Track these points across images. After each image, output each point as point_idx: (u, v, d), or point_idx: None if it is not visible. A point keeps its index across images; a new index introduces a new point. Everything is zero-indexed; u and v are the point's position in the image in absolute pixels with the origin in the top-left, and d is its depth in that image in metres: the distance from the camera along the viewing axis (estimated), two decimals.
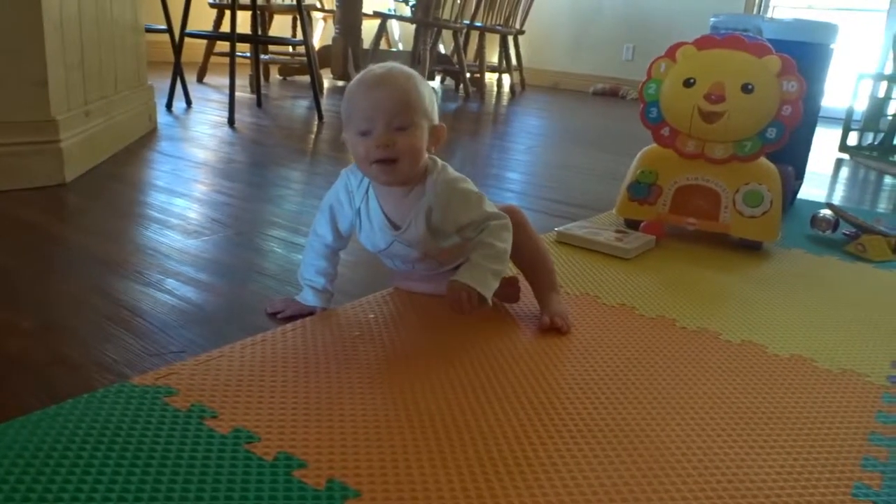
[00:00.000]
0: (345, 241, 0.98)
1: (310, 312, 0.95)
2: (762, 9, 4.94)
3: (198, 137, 2.26)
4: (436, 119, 0.89)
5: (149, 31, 2.49)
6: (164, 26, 2.82)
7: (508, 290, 1.02)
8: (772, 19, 1.84)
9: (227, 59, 2.63)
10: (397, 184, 0.89)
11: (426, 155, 0.90)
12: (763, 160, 1.42)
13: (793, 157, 1.76)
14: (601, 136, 3.21)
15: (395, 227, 0.92)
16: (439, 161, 0.93)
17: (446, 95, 4.44)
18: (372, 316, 0.96)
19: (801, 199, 1.96)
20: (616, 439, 0.70)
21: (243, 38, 2.60)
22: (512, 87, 4.84)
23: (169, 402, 0.70)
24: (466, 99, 4.22)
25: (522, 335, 0.94)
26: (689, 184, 1.44)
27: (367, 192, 0.92)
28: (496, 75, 5.18)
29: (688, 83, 1.40)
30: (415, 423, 0.70)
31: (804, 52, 1.72)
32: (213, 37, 3.06)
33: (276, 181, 1.78)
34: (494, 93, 4.86)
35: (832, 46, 1.77)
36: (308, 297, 0.96)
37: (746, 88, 1.36)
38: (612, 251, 1.32)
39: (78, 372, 0.76)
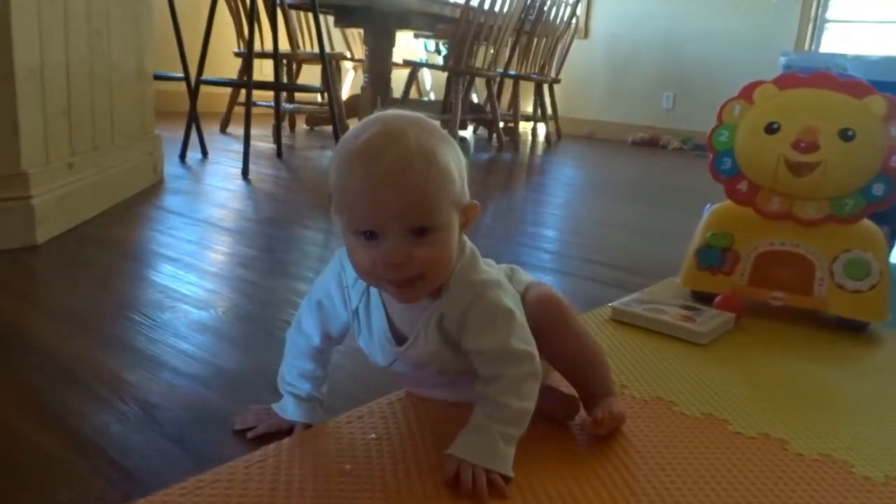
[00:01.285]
0: (336, 342, 0.74)
1: (289, 429, 0.71)
2: (816, 27, 4.66)
3: (207, 191, 2.07)
4: (466, 196, 0.64)
5: (161, 78, 2.34)
6: (180, 74, 2.68)
7: (566, 410, 0.76)
8: (857, 57, 1.59)
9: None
10: (418, 300, 0.64)
11: (456, 253, 0.64)
12: (867, 222, 1.15)
13: (886, 214, 1.48)
14: (646, 189, 2.96)
15: (400, 340, 0.67)
16: (467, 246, 0.67)
17: (479, 145, 4.24)
18: (373, 436, 0.71)
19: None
20: None
21: (261, 85, 2.44)
22: (547, 136, 4.64)
23: None
24: (500, 149, 4.02)
25: (576, 466, 0.68)
26: (774, 249, 1.18)
27: (366, 290, 0.68)
28: (530, 124, 4.99)
29: (771, 128, 1.15)
30: None
31: None
32: (229, 84, 2.91)
33: (288, 244, 1.56)
34: (529, 142, 4.67)
35: None
36: (288, 409, 0.72)
37: (846, 135, 1.10)
38: (682, 334, 1.05)
39: None
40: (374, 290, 0.67)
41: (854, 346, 1.11)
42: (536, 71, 4.50)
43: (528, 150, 4.23)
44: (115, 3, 1.72)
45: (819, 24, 4.69)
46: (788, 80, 1.19)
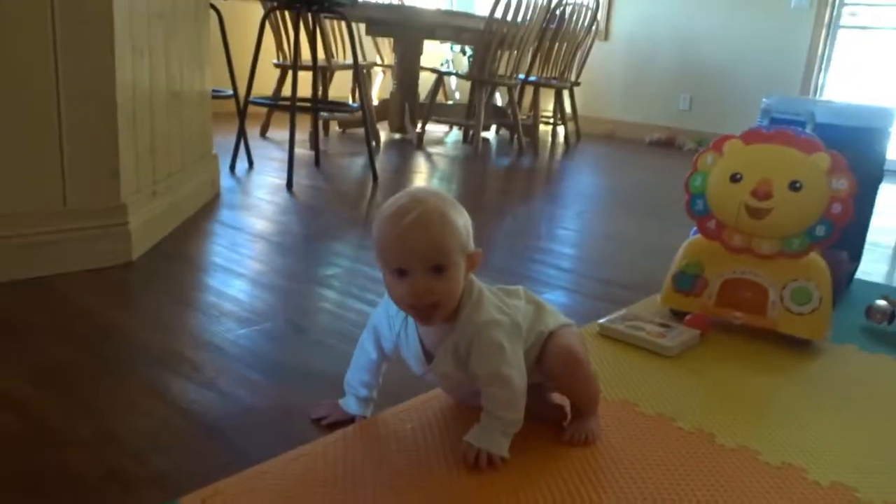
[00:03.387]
0: (389, 358, 1.00)
1: (351, 419, 0.99)
2: (830, 33, 4.83)
3: (257, 204, 2.36)
4: (471, 246, 0.89)
5: (216, 97, 2.62)
6: (230, 91, 2.97)
7: (555, 416, 1.03)
8: (827, 102, 1.82)
9: (288, 114, 2.73)
10: (435, 325, 0.90)
11: (461, 290, 0.89)
12: (813, 255, 1.40)
13: (847, 241, 1.72)
14: (654, 198, 3.19)
15: (429, 358, 0.94)
16: (475, 288, 0.92)
17: (500, 148, 4.49)
18: (410, 426, 0.99)
19: (859, 280, 1.92)
20: None
21: (303, 108, 2.71)
22: (566, 138, 4.87)
23: None
24: (520, 153, 4.26)
25: (562, 455, 0.95)
26: (736, 277, 1.43)
27: (405, 318, 0.94)
28: (551, 126, 5.22)
29: (734, 178, 1.40)
30: None
31: (859, 137, 1.71)
32: (274, 105, 3.18)
33: (327, 257, 1.84)
34: (549, 143, 4.90)
35: (889, 129, 1.74)
36: (350, 405, 1.00)
37: (794, 186, 1.35)
38: (654, 348, 1.32)
39: (130, 490, 0.81)
40: (410, 319, 0.94)
41: (798, 359, 1.36)
42: (556, 76, 4.72)
43: (547, 153, 4.46)
44: (183, 28, 2.00)
45: (833, 30, 4.85)
46: (753, 136, 1.43)
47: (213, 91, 2.51)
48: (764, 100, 1.87)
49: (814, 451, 1.01)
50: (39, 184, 1.43)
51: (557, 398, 1.04)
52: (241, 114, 2.84)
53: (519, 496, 0.84)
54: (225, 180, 2.61)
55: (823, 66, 4.92)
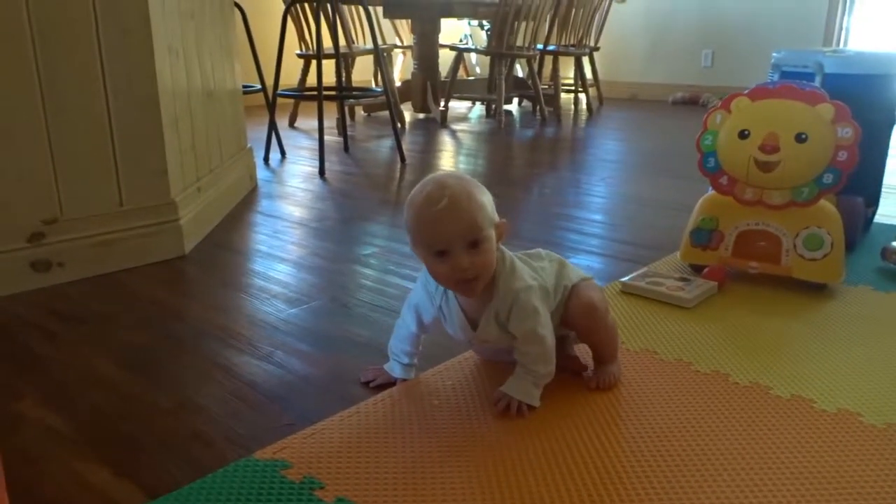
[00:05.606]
0: (426, 330, 1.10)
1: (395, 382, 1.10)
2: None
3: (293, 193, 2.48)
4: (496, 217, 0.98)
5: (245, 92, 2.74)
6: (258, 85, 3.09)
7: (574, 367, 1.13)
8: (835, 51, 1.86)
9: (315, 103, 2.83)
10: (476, 296, 0.99)
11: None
12: (823, 203, 1.46)
13: (862, 187, 1.78)
14: (677, 159, 3.24)
15: (474, 325, 1.03)
16: (506, 257, 1.01)
17: (523, 120, 4.55)
18: (450, 383, 1.10)
19: (878, 224, 1.97)
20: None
21: (330, 96, 2.81)
22: (588, 104, 4.90)
23: (286, 475, 0.86)
24: (543, 123, 4.32)
25: (587, 401, 1.05)
26: (750, 229, 1.51)
27: (444, 293, 1.03)
28: (573, 92, 5.25)
29: (742, 135, 1.47)
30: (495, 492, 0.83)
31: (870, 84, 1.76)
32: (302, 97, 3.30)
33: (364, 238, 1.96)
34: (572, 111, 4.93)
35: None
36: (395, 370, 1.11)
37: (800, 138, 1.41)
38: (673, 301, 1.41)
39: (212, 448, 0.93)
40: (450, 294, 1.03)
41: (813, 302, 1.44)
42: (575, 43, 4.74)
43: (570, 121, 4.51)
44: (211, 27, 2.11)
45: None
46: (759, 92, 1.50)
47: (243, 87, 2.62)
48: (773, 54, 1.92)
49: (823, 383, 1.10)
50: (98, 187, 1.57)
51: (578, 352, 1.15)
52: (271, 107, 2.96)
53: (549, 437, 0.95)
54: (260, 172, 2.74)
55: (847, 10, 4.84)
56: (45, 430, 0.98)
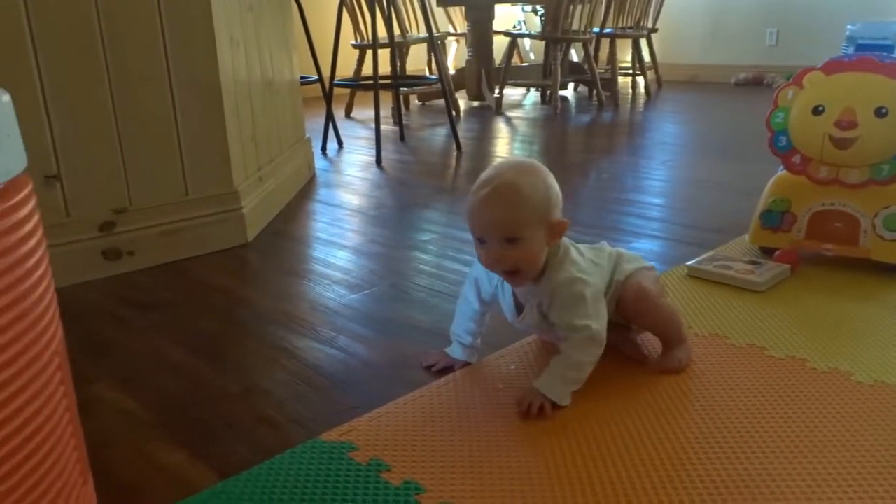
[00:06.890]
0: (490, 307, 1.09)
1: (458, 365, 1.09)
2: None
3: (350, 182, 2.50)
4: (554, 215, 0.94)
5: (303, 83, 2.77)
6: (314, 76, 3.12)
7: (635, 354, 1.10)
8: None
9: (371, 92, 2.85)
10: (523, 285, 0.98)
11: (544, 254, 0.96)
12: None
13: None
14: (740, 141, 3.13)
15: (519, 309, 1.02)
16: (562, 248, 0.98)
17: (579, 105, 4.48)
18: (513, 367, 1.08)
19: None
20: (741, 496, 0.78)
21: (385, 86, 2.82)
22: (647, 87, 4.78)
23: (352, 457, 0.86)
24: (600, 108, 4.24)
25: (654, 387, 1.03)
26: (825, 209, 1.44)
27: None
28: (631, 75, 5.14)
29: (816, 111, 1.40)
30: (563, 478, 0.82)
31: None
32: (357, 86, 3.32)
33: (421, 225, 1.95)
34: (630, 95, 4.83)
35: None
36: (457, 352, 1.10)
37: (880, 112, 1.34)
38: (743, 284, 1.35)
39: (278, 430, 0.94)
40: None
41: (891, 285, 1.37)
42: (632, 25, 4.64)
43: (628, 105, 4.41)
44: (270, 19, 2.14)
45: None
46: (834, 65, 1.43)
47: (301, 77, 2.65)
48: (848, 27, 1.83)
49: None
50: (165, 177, 1.60)
51: (641, 341, 1.13)
52: (328, 97, 2.98)
53: (617, 423, 0.92)
54: (318, 161, 2.77)
55: None
56: (120, 412, 1.01)
